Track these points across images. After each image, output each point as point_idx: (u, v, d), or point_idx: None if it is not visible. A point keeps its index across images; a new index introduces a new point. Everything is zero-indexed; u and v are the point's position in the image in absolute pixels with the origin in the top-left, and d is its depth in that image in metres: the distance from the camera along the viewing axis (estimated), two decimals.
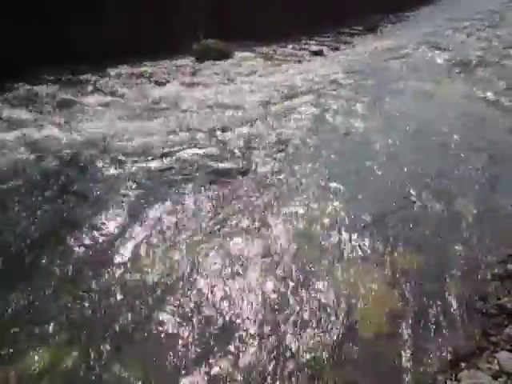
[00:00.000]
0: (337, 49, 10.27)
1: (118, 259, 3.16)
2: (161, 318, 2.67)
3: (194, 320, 2.65)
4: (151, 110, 6.02)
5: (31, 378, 2.33)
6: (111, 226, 3.50)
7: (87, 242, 3.33)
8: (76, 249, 3.26)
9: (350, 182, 4.10)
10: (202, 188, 4.03)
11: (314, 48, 10.12)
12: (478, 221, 3.55)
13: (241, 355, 2.43)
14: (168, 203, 3.81)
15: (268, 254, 3.17)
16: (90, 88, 6.93)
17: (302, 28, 11.01)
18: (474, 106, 6.01)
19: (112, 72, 7.68)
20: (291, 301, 2.78)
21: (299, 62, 9.01)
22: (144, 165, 4.43)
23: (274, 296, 2.83)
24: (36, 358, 2.43)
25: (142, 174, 4.27)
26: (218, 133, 5.19)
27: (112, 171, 4.33)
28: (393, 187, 4.03)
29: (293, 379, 2.31)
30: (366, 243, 3.27)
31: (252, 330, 2.57)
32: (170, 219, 3.59)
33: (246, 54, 9.34)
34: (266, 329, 2.58)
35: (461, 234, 3.38)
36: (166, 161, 4.53)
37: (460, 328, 2.59)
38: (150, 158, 4.57)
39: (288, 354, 2.44)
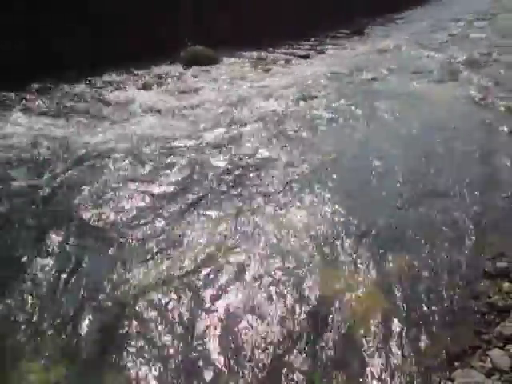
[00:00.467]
0: (323, 52, 10.38)
1: None
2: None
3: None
4: (135, 115, 6.08)
5: None
6: None
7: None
8: None
9: (338, 183, 4.12)
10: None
11: (302, 52, 10.20)
12: (467, 220, 3.57)
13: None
14: None
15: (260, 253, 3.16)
16: (73, 94, 6.97)
17: (290, 32, 11.09)
18: (457, 106, 6.08)
19: (98, 80, 7.68)
20: (278, 305, 2.77)
21: (287, 65, 9.08)
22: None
23: (259, 299, 2.81)
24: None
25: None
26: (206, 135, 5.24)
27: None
28: (381, 190, 4.03)
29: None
30: (357, 246, 3.27)
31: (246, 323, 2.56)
32: None
33: (234, 59, 9.37)
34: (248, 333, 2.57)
35: (450, 234, 3.39)
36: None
37: (452, 327, 2.59)
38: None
39: (272, 357, 2.42)
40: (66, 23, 7.74)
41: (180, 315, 2.70)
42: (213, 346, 2.50)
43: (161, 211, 3.73)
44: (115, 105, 6.57)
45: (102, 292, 2.91)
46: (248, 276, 3.00)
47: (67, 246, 3.34)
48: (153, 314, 2.72)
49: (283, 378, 2.32)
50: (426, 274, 3.00)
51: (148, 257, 3.20)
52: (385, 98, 6.38)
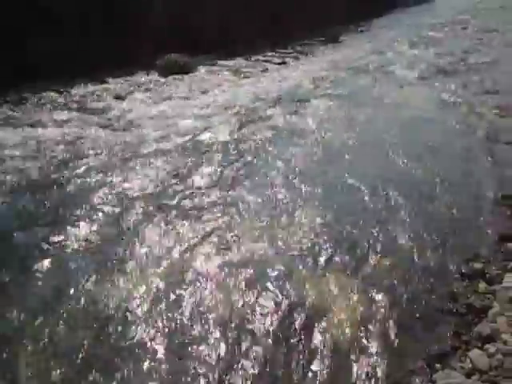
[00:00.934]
0: (298, 59, 10.52)
1: None
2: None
3: None
4: (108, 126, 6.07)
5: None
6: None
7: None
8: None
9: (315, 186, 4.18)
10: None
11: (277, 60, 10.31)
12: (444, 222, 3.64)
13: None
14: None
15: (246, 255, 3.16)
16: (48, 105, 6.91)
17: (267, 40, 11.20)
18: (424, 109, 6.30)
19: (73, 90, 7.59)
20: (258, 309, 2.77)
21: (263, 72, 9.17)
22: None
23: (240, 304, 2.81)
24: None
25: None
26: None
27: None
28: (358, 192, 4.08)
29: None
30: (338, 249, 3.29)
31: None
32: None
33: (210, 67, 9.38)
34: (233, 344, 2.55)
35: (427, 236, 3.44)
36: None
37: (433, 329, 2.62)
38: None
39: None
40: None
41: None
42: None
43: None
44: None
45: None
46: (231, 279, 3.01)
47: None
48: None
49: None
50: (405, 276, 3.03)
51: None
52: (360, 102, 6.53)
